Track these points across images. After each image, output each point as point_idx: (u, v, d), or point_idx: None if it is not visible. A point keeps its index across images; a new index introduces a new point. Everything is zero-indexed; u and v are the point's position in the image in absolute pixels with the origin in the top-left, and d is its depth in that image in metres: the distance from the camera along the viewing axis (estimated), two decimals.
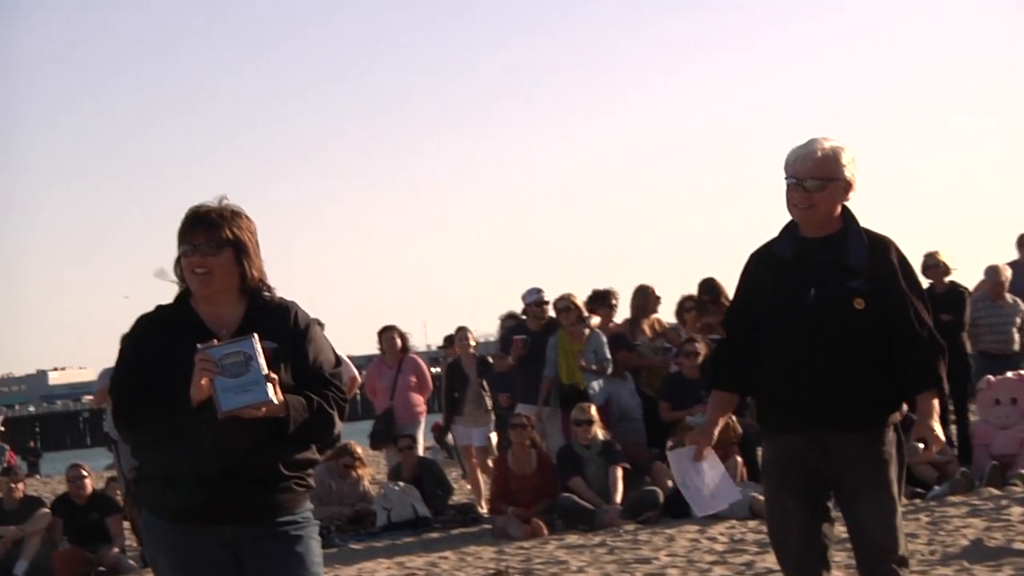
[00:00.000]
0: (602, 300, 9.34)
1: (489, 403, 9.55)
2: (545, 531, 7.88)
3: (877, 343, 3.41)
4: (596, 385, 8.59)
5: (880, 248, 3.52)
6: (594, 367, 8.60)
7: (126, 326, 3.34)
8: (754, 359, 3.63)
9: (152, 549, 3.56)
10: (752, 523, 7.10)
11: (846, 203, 3.57)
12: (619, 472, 8.20)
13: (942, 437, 3.47)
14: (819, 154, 3.47)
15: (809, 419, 3.46)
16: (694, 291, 9.03)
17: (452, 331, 10.51)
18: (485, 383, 9.63)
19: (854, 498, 3.51)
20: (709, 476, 4.05)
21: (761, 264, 3.75)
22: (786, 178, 3.54)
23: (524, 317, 9.33)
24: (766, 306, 3.60)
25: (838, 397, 3.40)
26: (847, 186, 3.53)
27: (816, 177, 3.43)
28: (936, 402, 3.43)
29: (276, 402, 2.92)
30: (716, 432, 3.89)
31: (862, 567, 3.59)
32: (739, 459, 7.98)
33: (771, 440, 3.76)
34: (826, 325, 3.41)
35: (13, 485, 9.67)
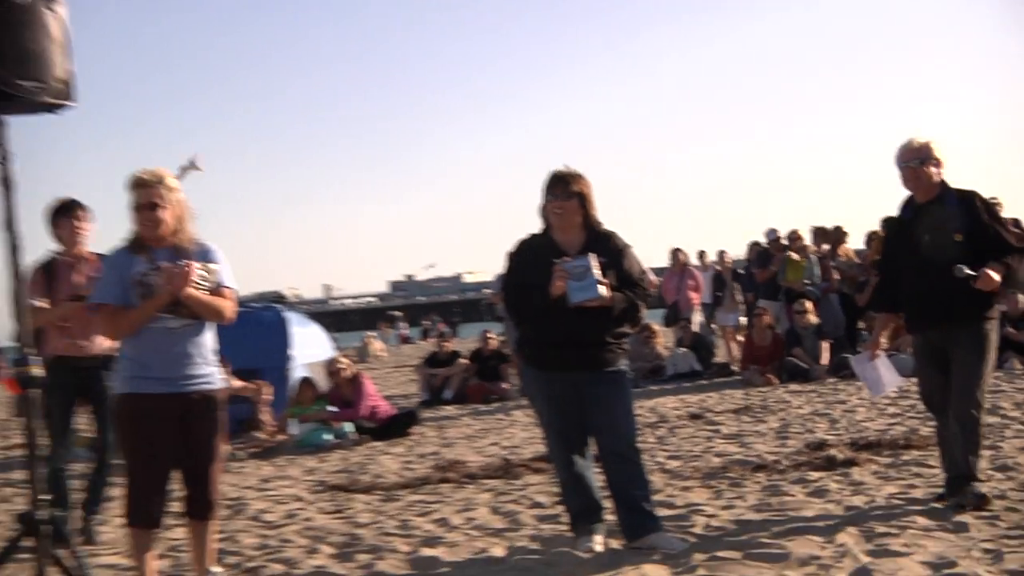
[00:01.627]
0: (821, 234, 12.69)
1: (740, 298, 13.22)
2: (776, 381, 10.36)
3: (974, 262, 4.21)
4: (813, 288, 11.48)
5: (967, 198, 4.45)
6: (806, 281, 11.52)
7: (508, 245, 4.42)
8: (898, 289, 4.59)
9: (529, 386, 4.77)
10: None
11: (941, 176, 4.46)
12: (825, 345, 10.73)
13: (995, 278, 4.19)
14: (916, 144, 4.45)
15: (934, 319, 4.47)
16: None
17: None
18: (738, 285, 13.29)
19: (956, 366, 4.39)
20: (881, 371, 4.95)
21: (893, 225, 5.03)
22: (898, 166, 4.51)
23: (767, 246, 12.64)
24: (900, 252, 4.63)
25: (949, 303, 4.33)
26: (938, 163, 4.43)
27: (917, 159, 4.41)
28: (998, 270, 4.20)
29: (606, 296, 3.91)
30: (881, 340, 5.00)
31: (952, 406, 4.42)
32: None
33: (915, 335, 4.78)
34: (935, 260, 4.30)
35: (444, 343, 13.68)
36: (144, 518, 3.76)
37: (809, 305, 10.98)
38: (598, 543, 4.16)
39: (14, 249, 3.46)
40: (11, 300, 3.50)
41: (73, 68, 3.51)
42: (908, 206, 4.61)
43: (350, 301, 77.88)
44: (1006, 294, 5.76)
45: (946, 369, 4.43)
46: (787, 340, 10.96)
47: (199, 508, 3.83)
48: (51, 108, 3.51)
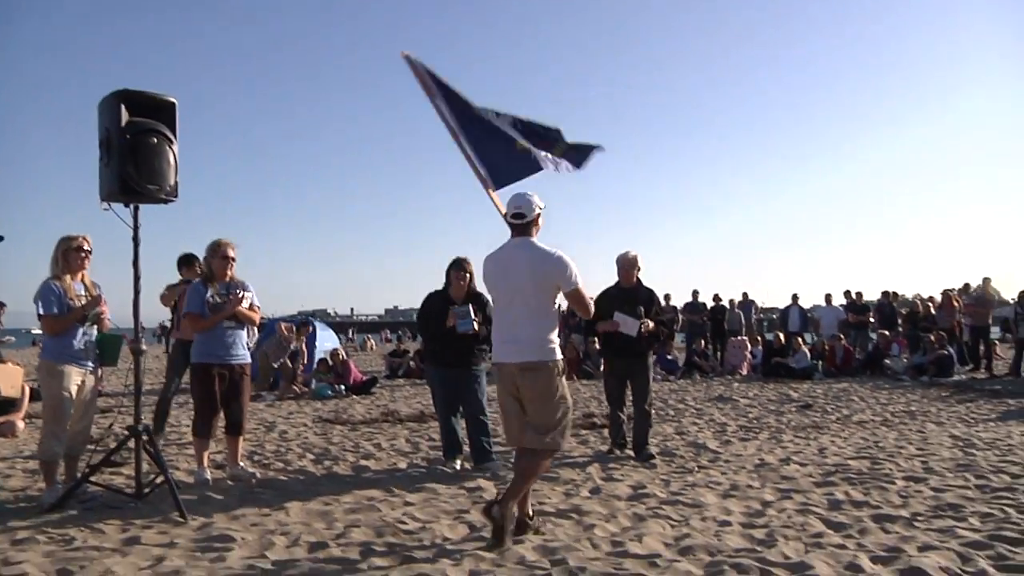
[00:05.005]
0: None
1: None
2: (577, 379, 14.48)
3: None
4: None
5: (648, 290, 7.73)
6: None
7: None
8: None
9: (429, 375, 8.03)
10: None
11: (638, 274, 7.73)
12: (603, 360, 14.38)
13: (651, 326, 7.43)
14: (631, 256, 7.66)
15: (623, 351, 7.59)
16: None
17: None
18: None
19: (636, 380, 7.61)
20: (628, 322, 7.41)
21: (606, 295, 7.70)
22: (620, 265, 7.74)
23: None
24: (608, 310, 7.45)
25: (631, 344, 7.48)
26: (639, 268, 7.72)
27: (633, 264, 7.69)
28: (655, 328, 7.51)
29: (477, 328, 6.85)
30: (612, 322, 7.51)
31: (635, 403, 7.63)
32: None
33: (608, 359, 8.01)
34: (627, 319, 7.49)
35: (401, 344, 17.42)
36: (204, 432, 6.63)
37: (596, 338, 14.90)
38: (457, 464, 7.03)
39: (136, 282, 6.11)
40: (135, 308, 6.23)
41: (178, 179, 6.01)
42: (617, 286, 7.72)
43: (363, 317, 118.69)
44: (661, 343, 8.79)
45: (624, 381, 7.67)
46: (582, 356, 16.95)
47: (234, 429, 6.69)
48: (164, 202, 5.92)
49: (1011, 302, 24.00)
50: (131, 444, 5.88)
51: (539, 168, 6.08)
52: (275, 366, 14.26)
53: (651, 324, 7.41)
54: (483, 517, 4.71)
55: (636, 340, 7.35)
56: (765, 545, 4.59)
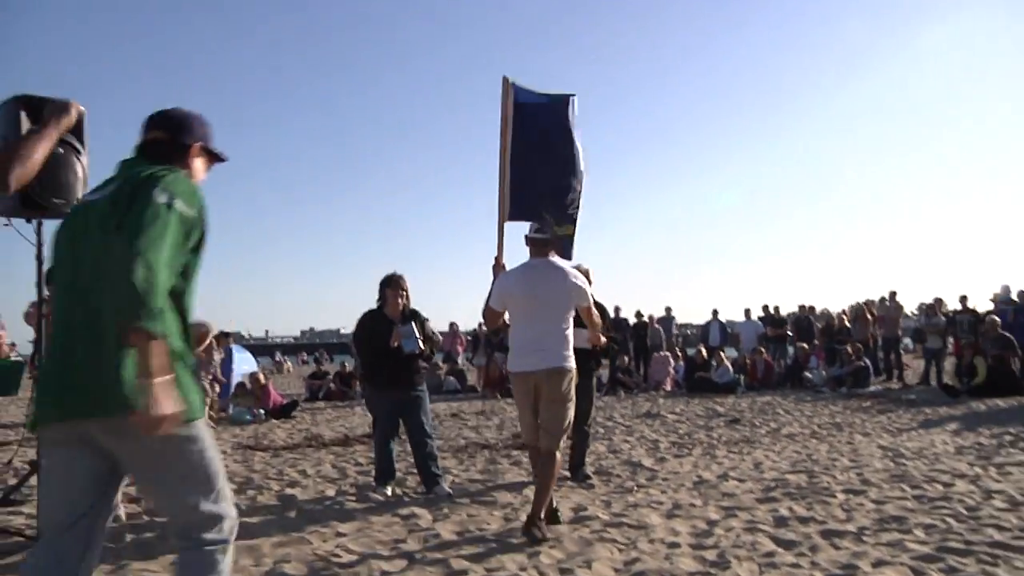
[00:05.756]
0: None
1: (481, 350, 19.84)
2: (499, 397, 14.10)
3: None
4: None
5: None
6: None
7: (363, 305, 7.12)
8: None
9: (368, 397, 7.44)
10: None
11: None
12: None
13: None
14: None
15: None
16: None
17: None
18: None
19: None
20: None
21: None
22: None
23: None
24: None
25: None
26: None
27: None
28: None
29: (422, 348, 6.62)
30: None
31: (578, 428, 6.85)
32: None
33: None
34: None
35: (321, 366, 16.97)
36: None
37: None
38: (388, 491, 6.64)
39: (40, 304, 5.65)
40: None
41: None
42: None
43: (278, 339, 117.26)
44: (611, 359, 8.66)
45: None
46: (505, 374, 15.58)
47: None
48: None
49: (912, 315, 24.93)
50: (33, 480, 5.34)
51: (564, 253, 6.23)
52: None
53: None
54: (524, 538, 4.97)
55: (585, 357, 7.01)
56: (719, 567, 4.38)
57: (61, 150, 5.28)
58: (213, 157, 2.93)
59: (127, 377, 2.39)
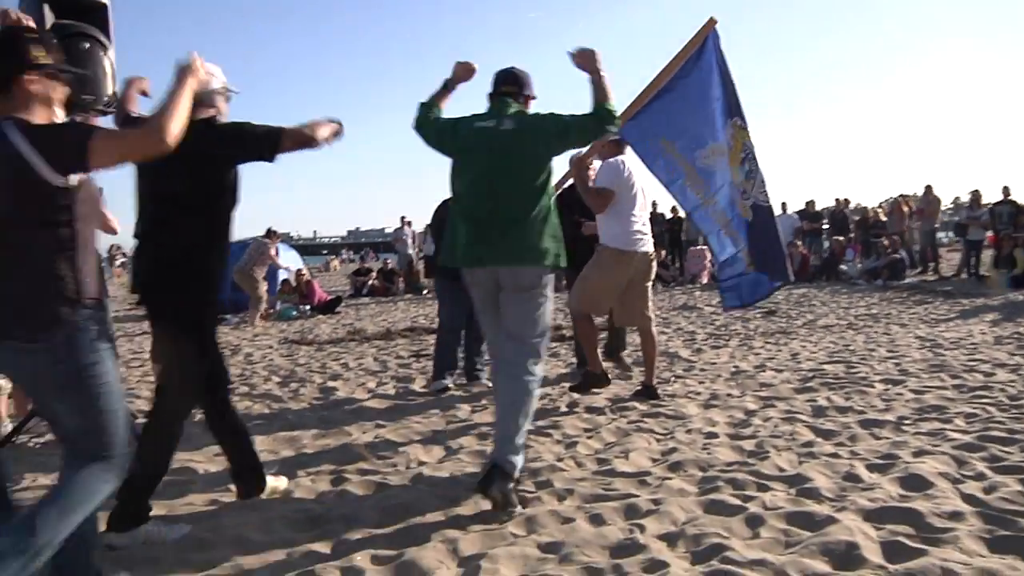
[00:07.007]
0: None
1: None
2: None
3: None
4: None
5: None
6: None
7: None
8: None
9: (441, 292, 6.87)
10: None
11: None
12: None
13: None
14: None
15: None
16: None
17: None
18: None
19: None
20: None
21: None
22: None
23: None
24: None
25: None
26: None
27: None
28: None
29: None
30: None
31: None
32: None
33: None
34: None
35: (364, 263, 17.02)
36: None
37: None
38: (450, 382, 6.48)
39: None
40: None
41: (116, 89, 5.49)
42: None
43: (326, 239, 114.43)
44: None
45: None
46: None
47: None
48: (102, 113, 5.27)
49: (947, 209, 24.23)
50: None
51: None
52: (259, 279, 12.40)
53: None
54: (647, 399, 5.81)
55: None
56: (757, 457, 4.29)
57: (87, 44, 5.10)
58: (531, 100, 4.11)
59: None
